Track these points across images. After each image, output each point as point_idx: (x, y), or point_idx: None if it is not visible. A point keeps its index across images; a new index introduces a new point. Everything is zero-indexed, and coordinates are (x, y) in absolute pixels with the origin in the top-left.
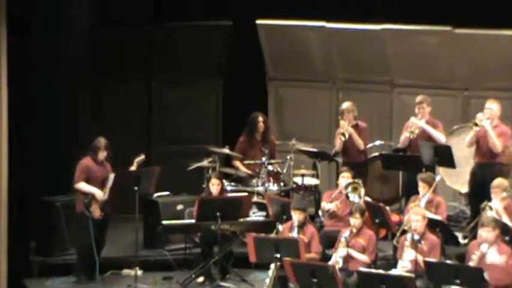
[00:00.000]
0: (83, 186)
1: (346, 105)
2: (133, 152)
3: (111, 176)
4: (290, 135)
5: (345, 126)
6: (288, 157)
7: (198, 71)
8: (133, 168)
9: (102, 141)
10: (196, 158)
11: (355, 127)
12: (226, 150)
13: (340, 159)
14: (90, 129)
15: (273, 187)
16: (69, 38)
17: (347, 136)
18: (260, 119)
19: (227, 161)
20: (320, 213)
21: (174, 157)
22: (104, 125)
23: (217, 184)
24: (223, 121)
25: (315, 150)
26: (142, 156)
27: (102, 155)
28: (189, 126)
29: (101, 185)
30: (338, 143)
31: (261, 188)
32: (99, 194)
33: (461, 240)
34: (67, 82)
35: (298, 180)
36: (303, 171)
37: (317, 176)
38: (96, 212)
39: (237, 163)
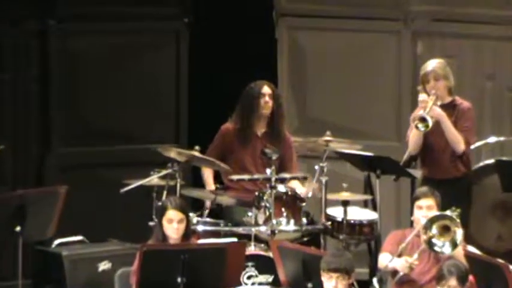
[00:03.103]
0: None
1: (432, 65)
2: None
3: None
4: (321, 126)
5: (429, 105)
6: (317, 167)
7: (141, 1)
8: None
9: None
10: (138, 170)
11: (450, 108)
12: (196, 154)
13: (418, 172)
14: None
15: (287, 226)
16: None
17: (431, 124)
18: (265, 90)
19: (198, 174)
20: (377, 278)
21: (95, 168)
22: None
23: (177, 220)
24: (191, 100)
25: (369, 154)
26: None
27: None
28: (125, 110)
29: None
30: (415, 137)
31: (263, 228)
32: None
33: None
34: None
35: (335, 212)
36: (345, 194)
37: (373, 206)
38: None
39: (206, 173)
